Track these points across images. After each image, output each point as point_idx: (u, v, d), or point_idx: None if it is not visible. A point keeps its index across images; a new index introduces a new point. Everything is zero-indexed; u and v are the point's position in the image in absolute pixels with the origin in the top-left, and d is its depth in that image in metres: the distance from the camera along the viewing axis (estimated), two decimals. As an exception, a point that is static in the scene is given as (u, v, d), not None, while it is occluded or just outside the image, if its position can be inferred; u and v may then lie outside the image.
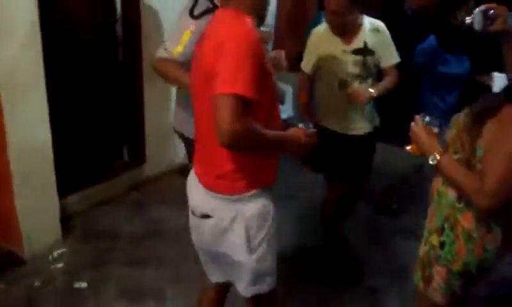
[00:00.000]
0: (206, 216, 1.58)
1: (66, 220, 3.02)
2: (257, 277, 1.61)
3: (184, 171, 3.89)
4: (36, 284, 2.56)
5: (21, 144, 2.58)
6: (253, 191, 1.54)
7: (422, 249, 1.67)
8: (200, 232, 1.65)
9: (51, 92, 2.68)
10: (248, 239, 1.54)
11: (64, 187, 2.96)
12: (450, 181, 1.48)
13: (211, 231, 1.59)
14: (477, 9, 1.48)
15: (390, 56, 2.51)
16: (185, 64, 1.98)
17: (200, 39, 1.59)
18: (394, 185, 3.69)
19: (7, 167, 2.56)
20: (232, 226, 1.54)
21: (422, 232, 1.69)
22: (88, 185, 3.29)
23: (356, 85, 2.41)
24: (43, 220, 2.81)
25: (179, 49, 2.01)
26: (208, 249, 1.68)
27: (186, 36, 2.02)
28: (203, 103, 1.45)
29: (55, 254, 2.79)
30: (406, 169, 3.96)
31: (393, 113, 4.23)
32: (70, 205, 3.11)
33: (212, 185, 1.56)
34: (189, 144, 2.32)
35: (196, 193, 1.63)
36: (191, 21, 2.04)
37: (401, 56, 2.58)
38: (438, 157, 1.45)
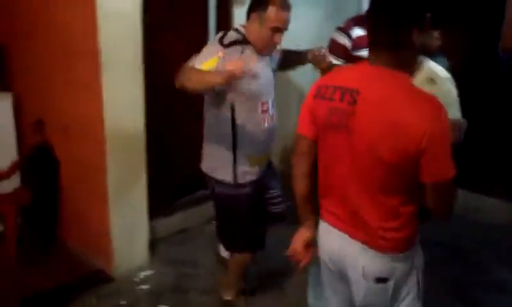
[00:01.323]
0: (382, 279, 1.51)
1: (153, 244, 3.16)
2: None
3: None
4: (122, 302, 2.68)
5: (118, 171, 2.77)
6: (417, 240, 1.56)
7: None
8: (370, 294, 1.55)
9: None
10: (418, 287, 1.57)
11: (152, 212, 3.11)
12: None
13: (391, 293, 1.53)
14: None
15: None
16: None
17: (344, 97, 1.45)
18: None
19: (105, 191, 2.76)
20: (406, 280, 1.54)
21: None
22: (173, 212, 3.44)
23: None
24: (133, 242, 2.97)
25: (202, 68, 2.06)
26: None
27: (213, 61, 2.07)
28: (381, 174, 1.41)
29: (141, 275, 2.92)
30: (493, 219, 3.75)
31: (477, 161, 4.04)
32: (156, 230, 3.26)
33: (391, 248, 1.49)
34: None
35: (365, 258, 1.52)
36: (220, 48, 2.11)
37: (497, 100, 2.45)
38: None
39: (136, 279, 2.89)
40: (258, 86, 2.17)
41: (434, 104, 1.35)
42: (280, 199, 2.54)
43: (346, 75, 1.54)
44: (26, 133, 3.35)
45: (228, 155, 2.24)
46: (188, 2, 3.37)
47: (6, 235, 3.10)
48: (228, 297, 2.66)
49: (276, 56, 2.40)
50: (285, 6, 2.14)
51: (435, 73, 2.27)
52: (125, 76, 2.65)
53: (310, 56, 2.43)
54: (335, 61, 2.92)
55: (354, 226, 1.51)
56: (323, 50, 2.33)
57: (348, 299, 1.65)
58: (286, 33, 2.18)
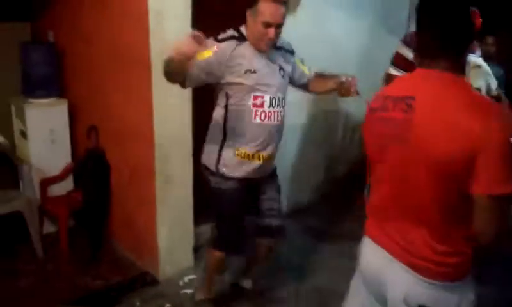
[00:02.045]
0: None
1: (197, 249, 3.20)
2: None
3: (309, 210, 3.91)
4: (167, 306, 2.72)
5: (166, 176, 2.84)
6: (470, 269, 1.41)
7: None
8: None
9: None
10: None
11: (197, 217, 3.15)
12: None
13: None
14: None
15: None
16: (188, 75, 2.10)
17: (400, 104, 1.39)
18: None
19: (153, 196, 2.84)
20: None
21: None
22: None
23: None
24: (179, 246, 3.02)
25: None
26: None
27: (206, 54, 2.11)
28: (434, 188, 1.32)
29: (186, 279, 2.97)
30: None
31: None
32: (200, 235, 3.30)
33: (441, 274, 1.37)
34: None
35: (409, 282, 1.41)
36: (214, 43, 2.15)
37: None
38: None
39: (180, 283, 2.93)
40: (250, 79, 2.17)
41: (495, 109, 1.27)
42: (274, 212, 2.48)
43: (399, 84, 1.50)
44: (80, 138, 3.50)
45: (217, 142, 2.29)
46: (237, 12, 3.42)
47: (60, 236, 3.24)
48: (199, 296, 2.71)
49: (287, 55, 2.36)
50: (277, 0, 2.09)
51: (474, 62, 2.56)
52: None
53: (336, 82, 2.28)
54: (395, 72, 2.90)
55: (400, 247, 1.41)
56: (350, 79, 2.20)
57: None
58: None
